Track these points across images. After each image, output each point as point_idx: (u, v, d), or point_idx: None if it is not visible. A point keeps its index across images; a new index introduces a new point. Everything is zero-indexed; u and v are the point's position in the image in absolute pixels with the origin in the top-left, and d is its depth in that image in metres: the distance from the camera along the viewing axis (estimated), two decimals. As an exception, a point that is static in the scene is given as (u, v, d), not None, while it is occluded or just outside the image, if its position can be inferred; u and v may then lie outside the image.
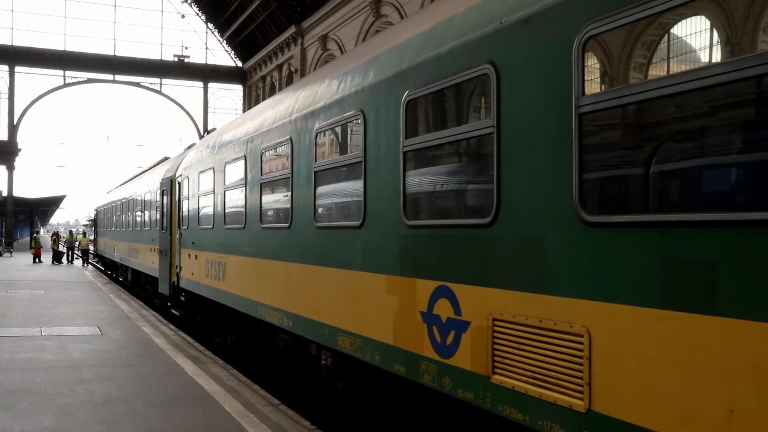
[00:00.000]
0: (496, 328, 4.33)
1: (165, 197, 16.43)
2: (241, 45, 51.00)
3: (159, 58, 51.92)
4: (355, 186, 6.23)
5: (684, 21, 3.44)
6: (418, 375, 5.14)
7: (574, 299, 3.76)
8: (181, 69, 52.21)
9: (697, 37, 3.37)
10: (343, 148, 7.03)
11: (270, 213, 8.79)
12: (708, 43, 3.32)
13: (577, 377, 3.71)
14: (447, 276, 4.85)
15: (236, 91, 54.87)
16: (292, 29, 42.59)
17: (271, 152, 8.67)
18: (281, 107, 8.57)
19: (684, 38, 3.48)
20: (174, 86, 52.98)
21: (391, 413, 6.56)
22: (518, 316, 4.15)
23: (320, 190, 7.11)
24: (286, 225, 7.88)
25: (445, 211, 5.37)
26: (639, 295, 3.36)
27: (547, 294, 3.95)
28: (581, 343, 3.69)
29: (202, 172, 12.43)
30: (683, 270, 3.15)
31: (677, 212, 3.32)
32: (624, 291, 3.45)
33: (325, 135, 7.14)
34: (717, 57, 3.32)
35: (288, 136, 7.89)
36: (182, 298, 15.04)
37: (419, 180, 5.44)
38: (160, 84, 52.42)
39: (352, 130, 6.59)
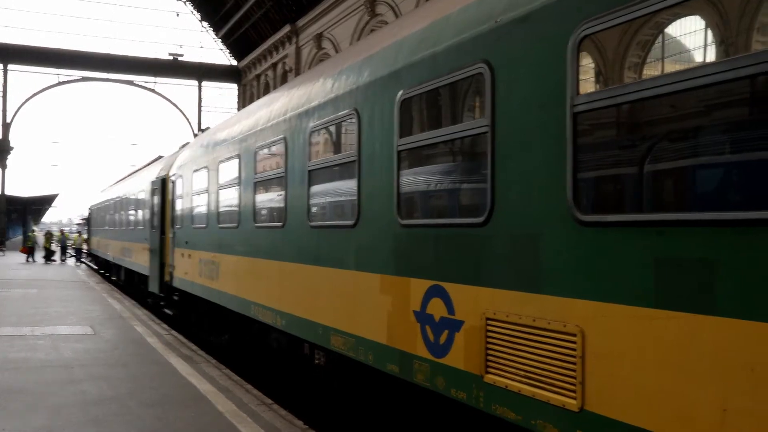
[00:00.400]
0: (489, 328, 4.32)
1: (157, 196, 16.39)
2: (236, 44, 50.93)
3: (154, 56, 51.78)
4: (350, 185, 6.22)
5: (678, 21, 3.44)
6: (411, 374, 5.12)
7: (567, 299, 3.76)
8: (175, 67, 52.08)
9: (691, 36, 3.37)
10: (337, 147, 7.01)
11: (264, 212, 8.77)
12: (702, 43, 3.32)
13: (570, 376, 3.70)
14: (441, 275, 4.84)
15: (231, 89, 54.78)
16: (287, 28, 42.54)
17: (266, 151, 8.65)
18: (275, 106, 8.55)
19: (678, 38, 3.48)
20: (169, 85, 52.86)
21: (385, 412, 6.54)
22: (512, 316, 4.14)
23: (315, 189, 7.09)
24: (281, 224, 7.86)
25: (439, 210, 5.36)
26: (633, 295, 3.35)
27: (541, 293, 3.94)
28: (575, 343, 3.68)
29: (195, 170, 12.39)
30: (677, 269, 3.15)
31: (671, 211, 3.32)
32: (618, 290, 3.44)
33: (319, 134, 7.12)
34: (711, 57, 3.31)
35: (282, 135, 7.87)
36: (176, 298, 15.00)
37: (413, 179, 5.43)
38: (155, 83, 52.28)
39: (346, 129, 6.58)
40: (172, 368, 9.29)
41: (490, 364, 4.30)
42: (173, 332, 12.93)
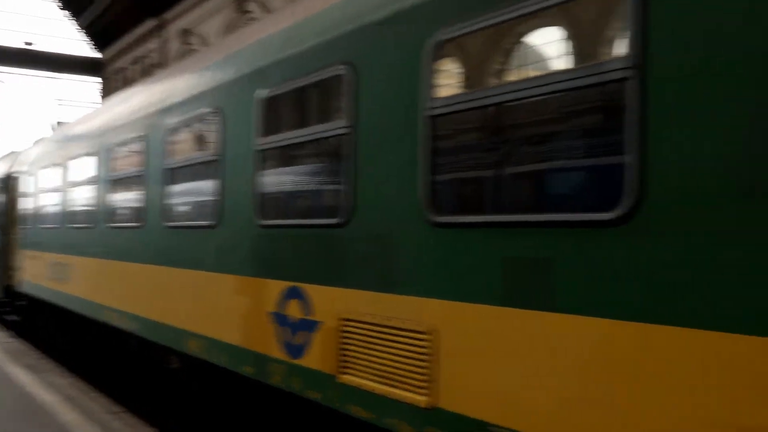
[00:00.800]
0: (345, 328, 4.33)
1: (1, 194, 15.14)
2: (99, 35, 48.15)
3: (7, 44, 47.82)
4: (211, 185, 6.02)
5: (529, 31, 3.61)
6: (267, 376, 5.03)
7: (422, 298, 3.83)
8: (28, 57, 48.39)
9: (542, 46, 3.54)
10: (200, 145, 6.77)
11: (122, 212, 8.31)
12: (554, 52, 3.48)
13: (423, 374, 3.77)
14: (299, 276, 4.79)
15: (92, 83, 51.67)
16: (153, 21, 40.85)
17: (125, 148, 8.21)
18: (137, 101, 8.15)
19: (529, 47, 3.64)
20: (24, 76, 49.00)
21: (246, 414, 6.38)
22: (367, 316, 4.17)
23: (176, 188, 6.81)
24: (138, 224, 7.49)
25: (300, 211, 5.31)
26: (483, 294, 3.46)
27: (396, 293, 3.99)
28: (428, 341, 3.75)
29: (49, 167, 11.56)
30: (523, 268, 3.28)
31: (518, 213, 3.46)
32: (470, 290, 3.54)
33: (182, 132, 6.85)
34: (561, 65, 3.48)
35: (143, 132, 7.51)
36: (22, 303, 13.90)
37: (274, 180, 5.34)
38: (8, 73, 48.26)
39: (209, 128, 6.37)
40: (11, 379, 8.56)
41: (344, 364, 4.30)
42: (17, 340, 11.95)
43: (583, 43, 3.38)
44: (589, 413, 2.94)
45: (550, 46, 3.49)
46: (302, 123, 5.15)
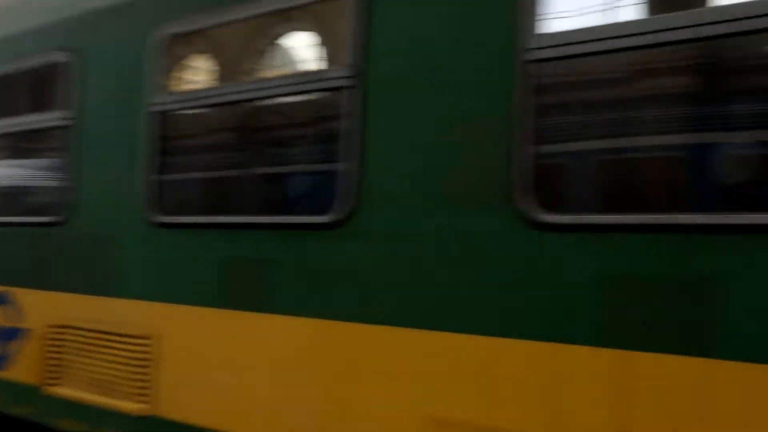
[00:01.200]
0: (58, 335, 4.02)
1: None
2: None
3: None
4: None
5: (259, 33, 3.64)
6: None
7: (141, 301, 3.68)
8: None
9: (273, 49, 3.60)
10: None
11: None
12: (283, 57, 3.56)
13: (141, 381, 3.62)
14: (5, 280, 4.36)
15: None
16: None
17: None
18: None
19: (259, 49, 3.68)
20: None
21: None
22: (83, 321, 3.91)
23: None
24: None
25: (11, 207, 4.82)
26: (203, 296, 3.41)
27: (114, 297, 3.79)
28: (147, 346, 3.61)
29: None
30: (243, 270, 3.29)
31: (239, 215, 3.45)
32: (190, 292, 3.47)
33: None
34: (289, 70, 3.55)
35: None
36: None
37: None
38: None
39: None
40: None
41: (54, 374, 4.00)
42: None
43: (311, 49, 3.48)
44: (303, 413, 3.03)
45: (280, 50, 3.56)
46: (17, 111, 4.68)
